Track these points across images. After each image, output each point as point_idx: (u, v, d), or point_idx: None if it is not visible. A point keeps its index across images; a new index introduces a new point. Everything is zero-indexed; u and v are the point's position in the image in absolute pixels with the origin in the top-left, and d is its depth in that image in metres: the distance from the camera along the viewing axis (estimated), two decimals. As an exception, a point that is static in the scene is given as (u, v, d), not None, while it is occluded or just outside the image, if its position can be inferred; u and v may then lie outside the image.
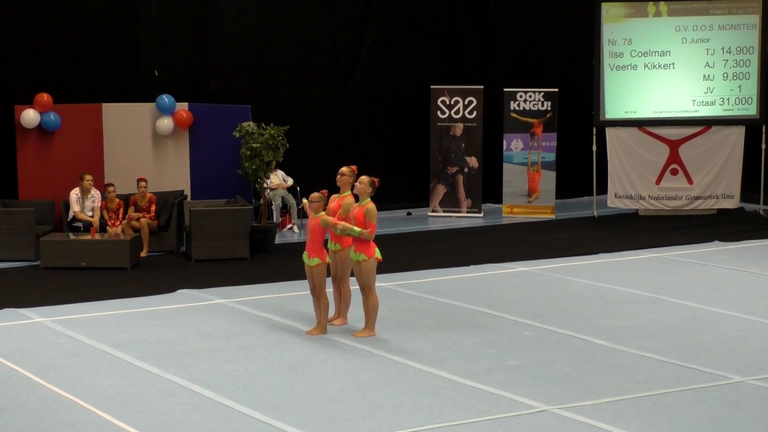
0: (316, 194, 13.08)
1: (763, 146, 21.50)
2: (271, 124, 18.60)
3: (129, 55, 19.95)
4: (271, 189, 19.44)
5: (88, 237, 17.47)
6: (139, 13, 19.94)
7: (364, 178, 13.03)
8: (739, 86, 21.44)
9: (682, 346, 12.85)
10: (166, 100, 19.15)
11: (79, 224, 18.01)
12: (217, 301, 15.10)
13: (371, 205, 12.89)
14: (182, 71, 20.33)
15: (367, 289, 13.00)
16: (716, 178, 21.55)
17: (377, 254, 12.97)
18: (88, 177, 18.17)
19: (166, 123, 19.18)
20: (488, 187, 22.16)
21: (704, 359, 12.32)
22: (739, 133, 21.52)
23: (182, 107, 19.31)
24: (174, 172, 19.36)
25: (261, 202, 18.87)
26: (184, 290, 15.66)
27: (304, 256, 13.17)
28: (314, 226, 13.03)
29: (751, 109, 21.45)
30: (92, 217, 18.06)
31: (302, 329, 13.61)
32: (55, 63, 19.34)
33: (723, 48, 21.41)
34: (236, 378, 11.76)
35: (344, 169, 13.49)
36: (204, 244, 17.61)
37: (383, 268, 16.24)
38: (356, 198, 13.24)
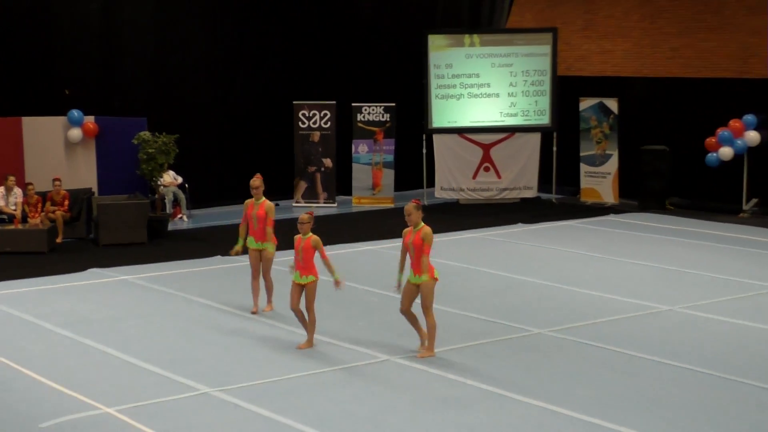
0: (305, 215, 11.17)
1: (554, 149, 21.94)
2: (164, 133, 18.37)
3: (44, 76, 19.45)
4: (164, 186, 19.18)
5: (12, 227, 17.01)
6: (53, 42, 19.46)
7: (409, 207, 10.77)
8: (536, 101, 21.83)
9: (495, 307, 13.09)
10: (75, 113, 18.76)
11: (4, 216, 17.51)
12: (121, 277, 14.87)
13: (427, 229, 10.79)
14: (89, 89, 19.89)
15: (426, 310, 10.94)
16: (519, 174, 21.90)
17: (436, 274, 10.96)
18: (11, 177, 17.70)
19: (75, 133, 18.78)
20: (341, 182, 22.21)
21: (511, 316, 12.58)
22: (536, 139, 21.91)
23: (89, 120, 18.91)
24: (83, 173, 18.96)
25: (156, 196, 18.61)
26: (93, 269, 15.37)
27: (296, 275, 11.17)
28: (305, 246, 11.16)
29: (545, 119, 21.89)
30: (15, 210, 17.58)
31: (191, 299, 13.47)
32: (-19, 83, 18.81)
33: (523, 71, 21.78)
34: (138, 339, 11.63)
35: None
36: (109, 231, 17.30)
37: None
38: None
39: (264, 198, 12.77)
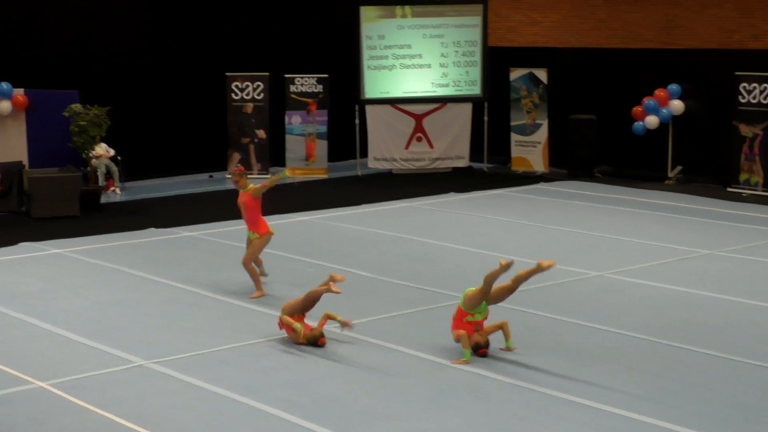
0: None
1: (486, 118, 21.99)
2: (96, 106, 18.07)
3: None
4: (97, 158, 18.88)
5: (-59, 201, 16.66)
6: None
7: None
8: (467, 72, 21.84)
9: (426, 275, 13.11)
10: (4, 86, 18.37)
11: (-68, 191, 17.16)
12: (53, 251, 14.63)
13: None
14: (19, 62, 19.49)
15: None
16: (451, 144, 21.91)
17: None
18: (-61, 151, 17.32)
19: (5, 105, 18.40)
20: (275, 153, 22.02)
21: (442, 284, 12.60)
22: (468, 109, 21.93)
23: (19, 92, 18.55)
24: (14, 146, 18.59)
25: (88, 169, 18.33)
26: (25, 243, 15.10)
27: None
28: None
29: (476, 90, 21.92)
30: (-57, 184, 17.22)
31: (124, 271, 13.30)
32: None
33: (454, 42, 21.77)
34: (70, 312, 11.46)
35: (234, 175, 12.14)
36: (41, 204, 17.00)
37: (190, 220, 16.09)
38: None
39: (250, 185, 12.38)
